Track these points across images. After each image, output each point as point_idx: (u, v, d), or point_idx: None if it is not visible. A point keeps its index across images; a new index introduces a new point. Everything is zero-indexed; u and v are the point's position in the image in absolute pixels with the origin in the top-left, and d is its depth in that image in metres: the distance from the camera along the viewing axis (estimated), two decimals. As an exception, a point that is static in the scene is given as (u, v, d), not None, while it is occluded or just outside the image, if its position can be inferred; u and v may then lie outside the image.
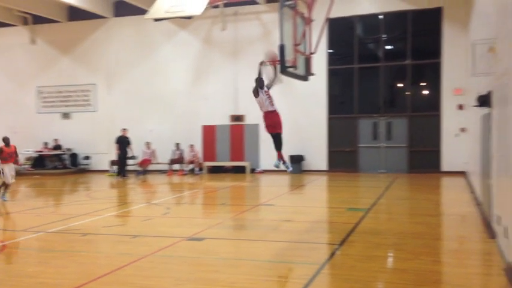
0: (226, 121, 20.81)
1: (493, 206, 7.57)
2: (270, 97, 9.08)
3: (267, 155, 20.30)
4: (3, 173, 12.17)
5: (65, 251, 7.30)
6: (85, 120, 22.60)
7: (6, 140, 12.37)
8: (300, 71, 9.24)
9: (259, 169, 20.26)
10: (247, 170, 20.14)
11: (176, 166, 20.42)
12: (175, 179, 18.90)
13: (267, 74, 9.02)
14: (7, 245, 7.76)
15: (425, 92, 19.90)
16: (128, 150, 19.53)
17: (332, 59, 19.66)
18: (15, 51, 23.43)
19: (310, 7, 9.47)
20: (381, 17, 19.19)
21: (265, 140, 20.23)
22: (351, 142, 19.52)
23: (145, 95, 21.59)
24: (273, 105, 9.09)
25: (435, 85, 18.81)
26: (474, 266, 6.39)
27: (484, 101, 8.28)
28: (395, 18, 19.32)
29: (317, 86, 18.50)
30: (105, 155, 21.74)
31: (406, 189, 14.75)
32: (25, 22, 22.98)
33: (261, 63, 8.87)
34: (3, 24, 22.74)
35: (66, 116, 22.94)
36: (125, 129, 19.70)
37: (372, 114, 19.36)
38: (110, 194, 15.52)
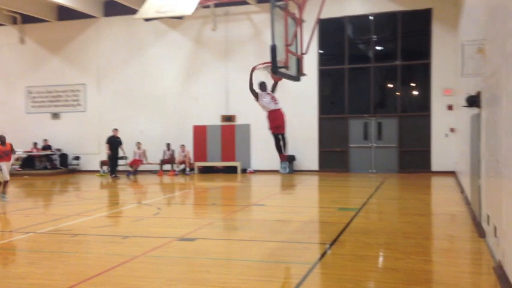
0: (217, 121, 20.79)
1: (483, 206, 7.63)
2: (273, 97, 9.08)
3: (258, 155, 20.35)
4: (1, 170, 12.10)
5: (55, 251, 7.25)
6: (75, 121, 22.47)
7: (1, 139, 12.27)
8: (292, 71, 9.24)
9: (250, 169, 20.26)
10: (239, 170, 20.14)
11: (167, 166, 20.36)
12: (166, 179, 18.84)
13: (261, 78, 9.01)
14: (-4, 246, 7.69)
15: (415, 92, 20.02)
16: (120, 150, 19.54)
17: (323, 60, 19.72)
18: (4, 51, 23.24)
19: (301, 8, 9.48)
20: (371, 17, 19.28)
21: (256, 140, 20.30)
22: (341, 142, 19.59)
23: (135, 95, 21.50)
24: (276, 103, 9.08)
25: (425, 85, 18.93)
26: (464, 264, 6.43)
27: (473, 101, 8.34)
28: (385, 19, 19.42)
29: (308, 87, 18.55)
30: (95, 155, 21.65)
31: (397, 189, 14.83)
32: (14, 22, 22.80)
33: (253, 70, 8.84)
34: (-9, 24, 22.58)
35: (55, 116, 22.79)
36: (116, 130, 19.64)
37: (362, 115, 19.44)
38: (100, 194, 15.43)
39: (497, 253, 5.89)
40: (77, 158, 22.30)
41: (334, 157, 19.62)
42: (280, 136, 9.34)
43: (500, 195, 5.59)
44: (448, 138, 18.13)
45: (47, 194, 15.85)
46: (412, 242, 7.45)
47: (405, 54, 18.95)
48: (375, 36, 19.52)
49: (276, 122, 9.14)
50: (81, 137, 22.25)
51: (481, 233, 7.49)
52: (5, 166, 12.23)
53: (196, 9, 17.71)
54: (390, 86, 20.11)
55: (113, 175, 19.18)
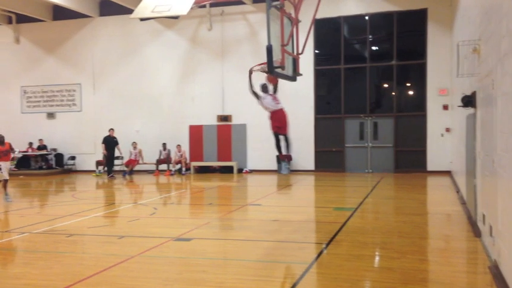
0: (213, 121, 20.78)
1: (478, 205, 7.67)
2: (274, 98, 9.07)
3: (254, 155, 20.35)
4: (0, 169, 12.05)
5: (51, 251, 7.23)
6: (70, 120, 22.41)
7: (0, 138, 12.23)
8: (288, 71, 9.25)
9: (246, 169, 20.26)
10: (235, 170, 20.13)
11: (163, 166, 20.33)
12: (162, 179, 18.82)
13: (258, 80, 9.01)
14: (-9, 247, 7.67)
15: (411, 92, 20.07)
16: (116, 150, 19.52)
17: (319, 60, 19.74)
18: (-1, 50, 23.16)
19: (297, 8, 9.48)
20: (366, 18, 19.31)
21: (253, 140, 20.30)
22: (337, 142, 19.61)
23: (131, 95, 21.46)
24: (278, 104, 9.07)
25: (420, 85, 18.98)
26: (460, 264, 6.46)
27: (469, 101, 8.38)
28: (380, 19, 19.45)
29: (304, 87, 18.57)
30: (90, 155, 21.60)
31: (393, 189, 14.86)
32: (9, 21, 22.71)
33: (250, 73, 8.83)
34: (-14, 23, 22.48)
35: (51, 116, 22.72)
36: (112, 130, 19.60)
37: (358, 115, 19.47)
38: (96, 194, 15.40)
39: (493, 252, 5.92)
40: (73, 158, 22.24)
41: (330, 157, 19.64)
42: (283, 137, 9.31)
43: (496, 194, 5.62)
44: (443, 138, 18.18)
45: (42, 194, 15.81)
46: (408, 241, 7.47)
47: (401, 54, 18.99)
48: (371, 36, 19.56)
49: (278, 123, 9.13)
50: (76, 137, 22.18)
51: (476, 232, 7.52)
52: (4, 165, 12.19)
53: (191, 8, 17.66)
54: (386, 86, 20.15)
55: (110, 175, 19.14)
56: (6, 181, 12.34)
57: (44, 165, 21.93)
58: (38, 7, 21.29)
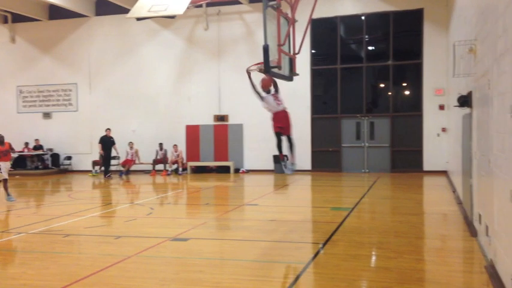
0: (210, 121, 20.76)
1: (474, 205, 7.69)
2: (277, 98, 9.02)
3: (251, 155, 20.35)
4: (0, 170, 11.99)
5: (47, 252, 7.21)
6: (66, 120, 22.35)
7: (0, 138, 12.18)
8: (285, 71, 9.25)
9: (243, 169, 20.26)
10: (231, 170, 20.13)
11: (160, 166, 20.31)
12: (159, 179, 18.79)
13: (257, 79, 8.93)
14: (-13, 247, 7.64)
15: (407, 92, 20.11)
16: (113, 150, 19.48)
17: (315, 60, 19.76)
18: (-5, 50, 23.09)
19: (293, 7, 9.49)
20: (363, 17, 19.34)
21: (249, 140, 20.30)
22: (334, 142, 19.63)
23: (127, 94, 21.42)
24: (280, 105, 9.02)
25: (417, 85, 19.03)
26: (456, 263, 6.48)
27: (465, 101, 8.41)
28: (377, 19, 19.48)
29: (300, 86, 18.56)
30: (87, 155, 21.56)
31: (389, 189, 14.89)
32: (5, 20, 22.64)
33: (249, 74, 8.78)
34: (-18, 23, 22.40)
35: (47, 115, 22.66)
36: (108, 129, 19.56)
37: (354, 115, 19.50)
38: (93, 194, 15.37)
39: (489, 252, 5.94)
40: (69, 158, 22.18)
41: (326, 157, 19.66)
42: (286, 137, 9.27)
43: (492, 194, 5.64)
44: (439, 138, 18.23)
45: (38, 194, 15.77)
46: (405, 241, 7.48)
47: (397, 54, 19.03)
48: (367, 36, 19.59)
49: (281, 123, 9.10)
50: (73, 137, 22.14)
51: (472, 232, 7.54)
52: (4, 165, 12.12)
53: (188, 8, 17.63)
54: (382, 86, 20.19)
55: (107, 175, 19.09)
56: (6, 181, 12.26)
57: (40, 165, 21.88)
58: (33, 6, 21.23)
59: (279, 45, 8.66)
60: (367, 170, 19.20)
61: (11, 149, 12.64)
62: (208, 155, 20.79)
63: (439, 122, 18.21)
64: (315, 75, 19.84)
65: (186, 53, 21.01)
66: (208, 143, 20.78)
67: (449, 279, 5.58)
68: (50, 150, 22.24)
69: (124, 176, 19.62)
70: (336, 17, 19.42)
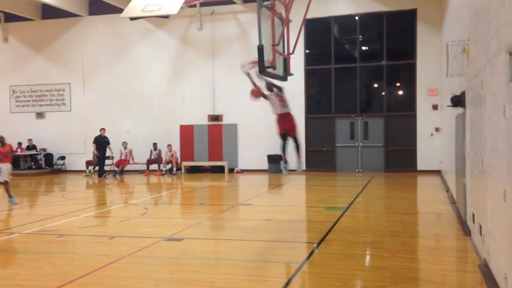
0: (204, 121, 20.74)
1: (468, 204, 7.73)
2: (281, 99, 9.00)
3: (245, 155, 20.35)
4: (0, 172, 11.85)
5: (41, 252, 7.18)
6: (60, 120, 22.25)
7: (1, 140, 12.00)
8: (279, 71, 9.27)
9: (237, 169, 20.26)
10: (226, 169, 20.12)
11: (154, 166, 20.26)
12: (153, 179, 18.75)
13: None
14: (-19, 248, 7.60)
15: (401, 92, 20.18)
16: (108, 150, 19.41)
17: (309, 60, 19.78)
18: (-13, 49, 22.94)
19: (287, 8, 9.51)
20: (356, 18, 19.38)
21: (244, 139, 20.30)
22: (328, 142, 19.66)
23: (121, 94, 21.36)
24: (285, 106, 9.00)
25: (410, 85, 19.10)
26: (450, 263, 6.51)
27: (458, 101, 8.45)
28: (371, 19, 19.53)
29: (294, 86, 18.51)
30: (80, 155, 21.48)
31: (383, 188, 14.94)
32: (-3, 20, 22.52)
33: (249, 75, 8.76)
34: (-26, 22, 22.25)
35: (40, 115, 22.55)
36: (103, 129, 19.49)
37: (348, 114, 19.54)
38: (86, 194, 15.31)
39: (483, 251, 5.98)
40: (63, 158, 22.08)
41: (321, 157, 19.69)
42: (292, 139, 9.27)
43: (485, 193, 5.67)
44: (433, 138, 18.30)
45: (32, 194, 15.69)
46: (399, 240, 7.51)
47: (391, 54, 19.09)
48: (361, 37, 19.64)
49: (286, 125, 9.09)
50: (66, 137, 22.04)
51: (466, 231, 7.58)
52: (5, 167, 11.96)
53: (182, 8, 17.62)
54: (376, 86, 20.25)
55: (103, 175, 19.01)
56: (7, 183, 12.11)
57: (33, 165, 21.77)
58: (26, 6, 21.11)
59: (274, 45, 8.67)
60: (361, 170, 19.25)
61: (12, 151, 12.46)
62: (203, 155, 20.77)
63: (432, 122, 18.28)
64: (309, 75, 19.87)
65: (180, 52, 20.97)
66: (202, 143, 20.76)
67: (443, 278, 5.61)
68: (44, 150, 22.14)
69: (118, 176, 19.56)
70: (329, 17, 19.45)
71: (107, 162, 19.90)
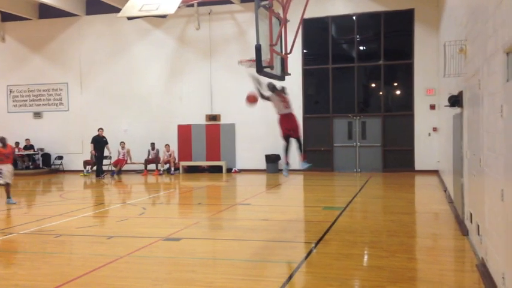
0: (201, 121, 20.73)
1: (465, 204, 7.75)
2: (284, 100, 8.99)
3: (243, 155, 20.34)
4: (1, 173, 11.79)
5: (39, 252, 7.17)
6: (57, 120, 22.21)
7: (2, 141, 11.94)
8: (276, 71, 9.27)
9: (235, 168, 20.25)
10: (224, 169, 20.11)
11: (152, 166, 20.24)
12: (151, 179, 18.74)
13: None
14: (-22, 248, 7.58)
15: (398, 92, 20.20)
16: (106, 150, 19.36)
17: (307, 59, 19.79)
18: (-16, 49, 22.89)
19: (285, 7, 9.51)
20: (354, 17, 19.40)
21: (241, 139, 20.30)
22: (326, 141, 19.67)
23: (119, 94, 21.33)
24: (287, 107, 8.98)
25: (408, 85, 19.12)
26: (448, 262, 6.52)
27: (455, 101, 8.47)
28: (368, 19, 19.55)
29: (292, 86, 18.49)
30: (78, 155, 21.45)
31: (381, 188, 14.96)
32: (-6, 19, 22.47)
33: (256, 79, 8.74)
34: (-29, 22, 22.20)
35: (37, 115, 22.51)
36: (101, 129, 19.44)
37: (346, 114, 19.55)
38: (84, 194, 15.29)
39: (480, 251, 5.99)
40: (60, 157, 22.05)
41: (318, 156, 19.68)
42: (295, 140, 9.27)
43: (483, 193, 5.68)
44: (430, 138, 18.33)
45: (29, 194, 15.65)
46: (397, 240, 7.52)
47: (388, 54, 19.10)
48: (358, 36, 19.65)
49: (289, 125, 9.07)
50: (64, 137, 22.00)
51: (463, 231, 7.59)
52: (6, 169, 11.88)
53: (179, 7, 17.59)
54: (374, 85, 20.26)
55: (102, 175, 18.98)
56: (8, 185, 12.05)
57: (31, 165, 21.73)
58: (23, 5, 21.07)
59: (271, 45, 8.68)
60: (359, 170, 19.27)
61: (14, 152, 12.39)
62: (201, 155, 20.76)
63: (430, 122, 18.31)
64: (307, 75, 19.87)
65: (177, 52, 20.96)
66: (200, 143, 20.75)
67: (440, 278, 5.62)
68: (41, 150, 22.10)
69: (116, 176, 19.53)
70: (327, 17, 19.46)
71: (105, 162, 19.86)
